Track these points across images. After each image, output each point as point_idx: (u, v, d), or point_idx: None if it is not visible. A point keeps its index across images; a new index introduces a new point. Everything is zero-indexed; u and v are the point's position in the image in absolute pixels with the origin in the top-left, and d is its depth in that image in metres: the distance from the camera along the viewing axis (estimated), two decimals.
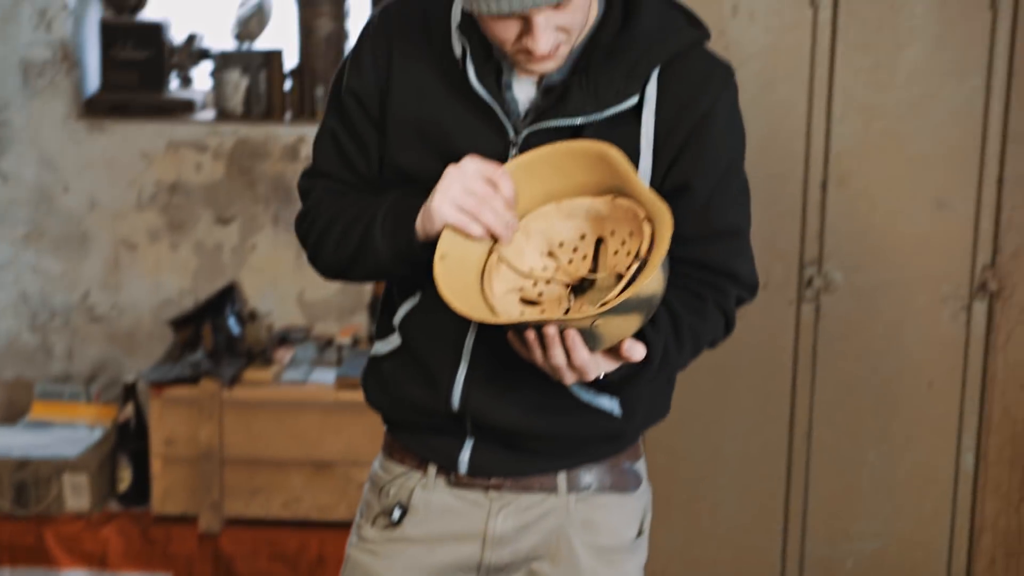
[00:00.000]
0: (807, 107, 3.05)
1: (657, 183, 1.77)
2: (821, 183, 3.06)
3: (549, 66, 1.71)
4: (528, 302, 1.73)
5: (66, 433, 3.69)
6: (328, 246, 1.85)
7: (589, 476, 1.93)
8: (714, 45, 3.01)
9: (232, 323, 3.57)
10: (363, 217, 1.80)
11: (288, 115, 3.92)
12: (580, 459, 1.92)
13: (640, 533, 2.00)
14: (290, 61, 3.96)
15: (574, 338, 1.61)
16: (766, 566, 3.19)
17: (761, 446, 3.16)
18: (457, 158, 1.72)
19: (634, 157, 1.74)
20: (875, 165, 3.04)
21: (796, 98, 3.05)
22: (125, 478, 3.60)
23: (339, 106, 1.87)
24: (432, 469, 1.94)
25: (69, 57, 3.87)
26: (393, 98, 1.81)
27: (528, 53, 1.67)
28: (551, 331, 1.61)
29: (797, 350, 3.12)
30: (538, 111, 1.75)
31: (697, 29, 1.78)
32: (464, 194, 1.67)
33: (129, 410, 3.62)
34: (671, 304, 1.76)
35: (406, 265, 1.78)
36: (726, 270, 1.83)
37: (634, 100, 1.72)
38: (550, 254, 1.74)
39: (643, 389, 1.82)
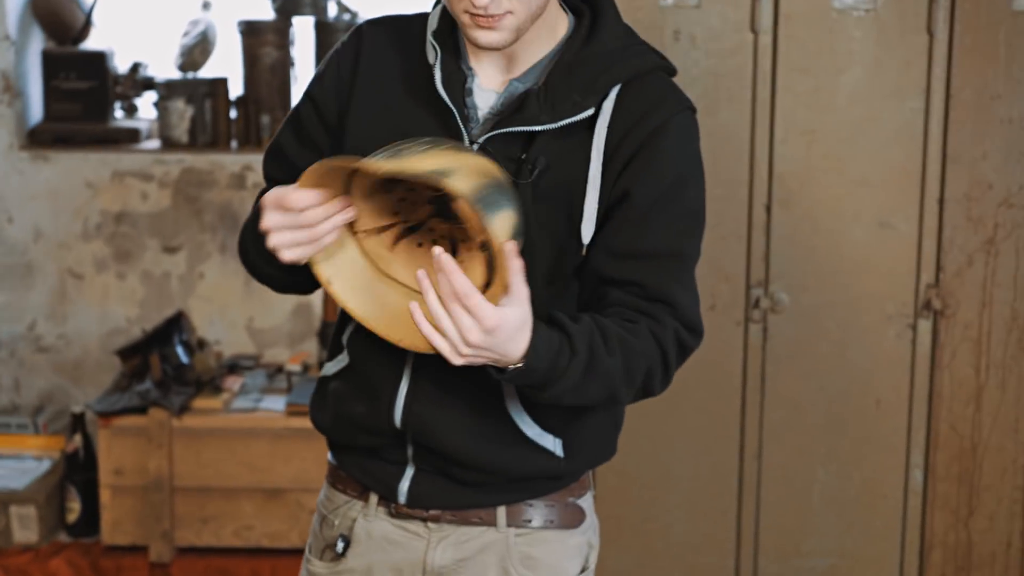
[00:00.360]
0: (750, 130, 3.08)
1: (605, 196, 1.76)
2: (765, 205, 3.09)
3: (493, 37, 1.71)
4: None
5: (13, 464, 3.66)
6: (241, 256, 1.91)
7: (530, 511, 1.91)
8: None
9: (180, 352, 3.56)
10: (248, 235, 1.85)
11: (234, 143, 3.92)
12: (521, 495, 1.91)
13: (584, 570, 1.97)
14: (235, 89, 3.96)
15: (449, 263, 1.58)
16: None
17: (711, 466, 3.19)
18: None
19: (584, 167, 1.75)
20: (818, 186, 3.08)
21: (739, 121, 3.08)
22: (74, 509, 3.58)
23: (295, 114, 1.90)
24: (373, 498, 1.93)
25: (11, 87, 3.85)
26: (353, 110, 1.83)
27: (473, 16, 1.68)
28: (437, 250, 1.59)
29: (746, 370, 3.14)
30: (496, 117, 1.77)
31: (662, 59, 1.80)
32: (277, 233, 1.69)
33: (77, 440, 3.60)
34: (598, 318, 1.74)
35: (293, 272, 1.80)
36: (662, 295, 1.77)
37: (589, 112, 1.74)
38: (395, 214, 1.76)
39: (575, 388, 1.72)
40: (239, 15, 3.96)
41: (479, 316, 1.58)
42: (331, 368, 1.96)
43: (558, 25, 1.78)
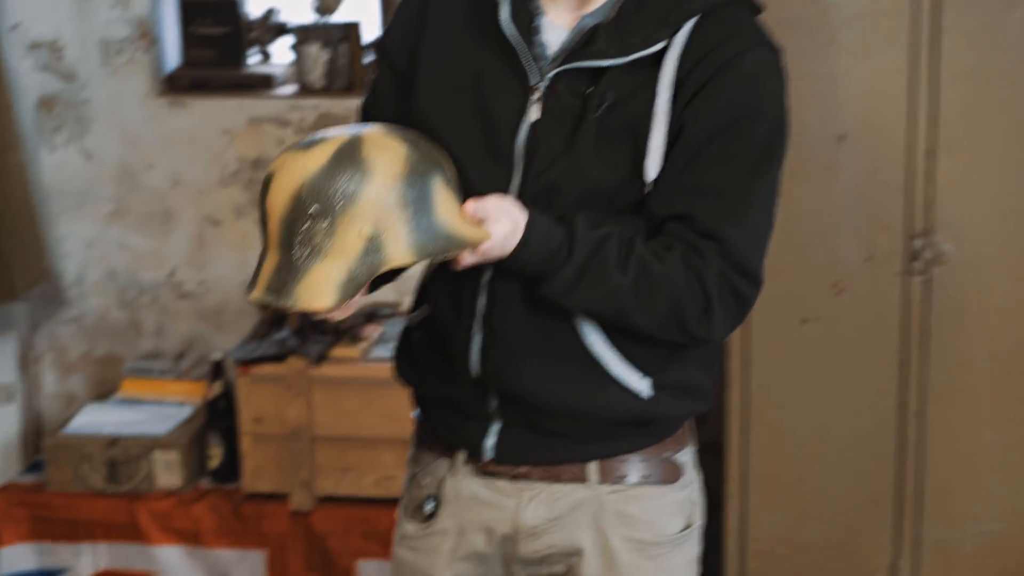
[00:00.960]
0: (907, 73, 2.93)
1: (672, 131, 1.71)
2: (927, 151, 2.94)
3: None
4: None
5: (156, 410, 3.67)
6: None
7: (623, 467, 1.86)
8: (811, 7, 2.92)
9: None
10: None
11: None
12: (612, 448, 1.86)
13: (687, 527, 1.92)
14: (370, 33, 3.89)
15: None
16: (877, 548, 3.10)
17: (870, 423, 3.07)
18: (483, 105, 1.75)
19: (651, 102, 1.70)
20: (985, 131, 2.92)
21: (896, 63, 2.93)
22: (216, 455, 3.58)
23: (374, 70, 1.92)
24: (460, 456, 1.90)
25: (148, 34, 3.83)
26: (423, 52, 1.81)
27: None
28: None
29: (907, 324, 3.01)
30: (565, 54, 1.73)
31: None
32: None
33: (217, 387, 3.60)
34: (628, 236, 1.72)
35: None
36: (711, 231, 1.71)
37: (659, 46, 1.69)
38: None
39: (568, 292, 1.72)
40: None
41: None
42: (415, 318, 1.94)
43: None
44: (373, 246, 1.60)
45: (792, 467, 3.10)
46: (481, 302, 1.81)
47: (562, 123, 1.74)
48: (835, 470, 3.09)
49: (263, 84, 3.86)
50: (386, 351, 3.51)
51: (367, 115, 1.94)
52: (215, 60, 3.87)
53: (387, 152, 1.62)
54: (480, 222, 1.67)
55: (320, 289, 1.59)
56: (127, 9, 3.80)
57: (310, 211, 1.58)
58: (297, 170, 1.60)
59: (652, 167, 1.72)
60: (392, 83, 1.88)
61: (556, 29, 1.77)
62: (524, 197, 1.75)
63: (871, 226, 2.98)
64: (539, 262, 1.69)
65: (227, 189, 3.89)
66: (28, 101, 3.85)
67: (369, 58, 3.85)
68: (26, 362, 3.96)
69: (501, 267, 1.72)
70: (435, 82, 1.80)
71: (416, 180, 1.63)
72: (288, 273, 1.60)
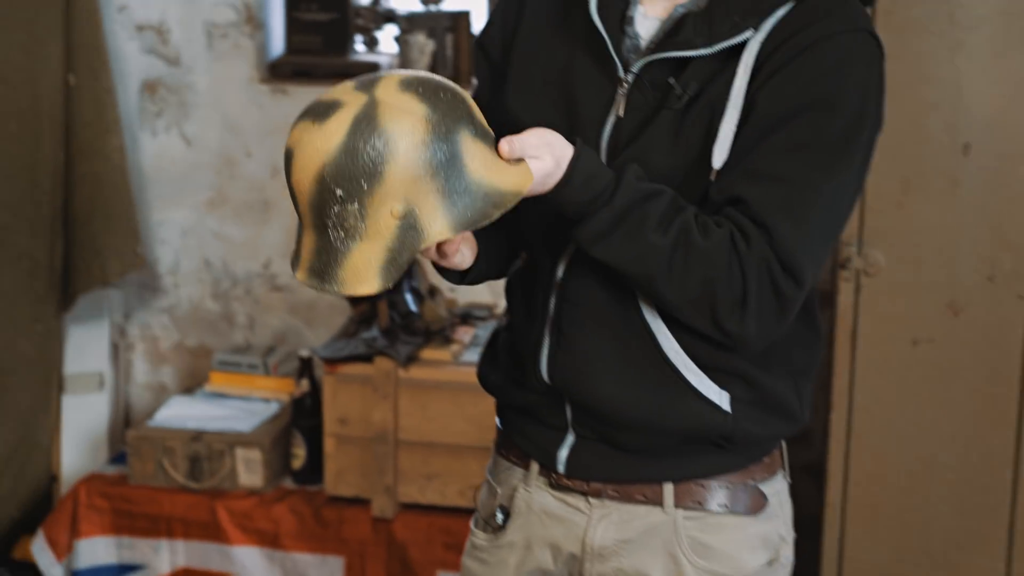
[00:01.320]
0: None
1: (745, 114, 1.59)
2: None
3: None
4: None
5: (242, 405, 3.59)
6: None
7: (701, 492, 1.73)
8: (938, 9, 2.72)
9: (409, 299, 3.41)
10: None
11: (474, 79, 3.73)
12: (690, 469, 1.73)
13: (772, 562, 1.77)
14: (478, 23, 3.77)
15: None
16: None
17: (983, 456, 2.85)
18: (570, 100, 1.68)
19: (728, 86, 1.59)
20: None
21: None
22: (299, 455, 3.48)
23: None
24: (535, 467, 1.81)
25: (253, 19, 3.75)
26: (517, 47, 1.76)
27: None
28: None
29: None
30: (653, 45, 1.66)
31: None
32: None
33: (304, 385, 3.50)
34: (681, 201, 1.59)
35: None
36: (762, 219, 1.56)
37: (748, 34, 1.59)
38: None
39: (601, 238, 1.59)
40: None
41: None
42: (504, 319, 1.87)
43: None
44: (408, 223, 1.50)
45: (895, 498, 2.90)
46: (552, 303, 1.72)
47: (646, 117, 1.66)
48: (942, 505, 2.87)
49: (368, 72, 3.76)
50: (478, 355, 3.37)
51: None
52: (320, 47, 3.78)
53: (406, 116, 1.49)
54: (519, 162, 1.54)
55: (363, 273, 1.51)
56: None
57: (337, 195, 1.48)
58: (316, 150, 1.49)
59: (719, 153, 1.60)
60: (488, 77, 1.82)
61: (649, 20, 1.69)
62: None
63: (994, 243, 2.77)
64: (581, 202, 1.57)
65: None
66: (132, 84, 3.80)
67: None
68: (118, 350, 3.92)
69: (546, 203, 1.60)
70: (525, 78, 1.75)
71: (441, 141, 1.50)
72: (328, 256, 1.51)
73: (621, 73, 1.66)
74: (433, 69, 3.68)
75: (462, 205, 1.51)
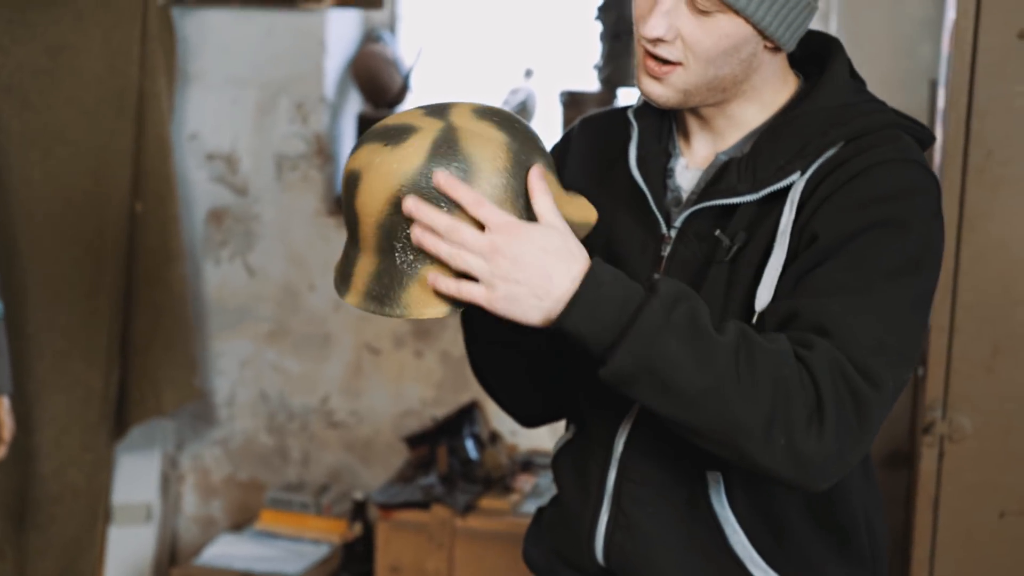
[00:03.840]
0: None
1: (792, 251, 1.47)
2: None
3: (657, 90, 1.49)
4: None
5: (291, 546, 3.47)
6: None
7: None
8: (998, 94, 2.57)
9: (470, 445, 3.30)
10: None
11: None
12: None
13: None
14: None
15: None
16: None
17: None
18: (615, 258, 1.59)
19: (775, 226, 1.49)
20: None
21: None
22: None
23: None
24: None
25: (324, 151, 3.72)
26: None
27: (646, 57, 1.49)
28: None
29: None
30: (695, 195, 1.57)
31: (903, 118, 1.50)
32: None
33: (357, 529, 3.39)
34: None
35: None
36: (820, 325, 1.40)
37: (794, 178, 1.49)
38: None
39: (657, 349, 1.35)
40: (562, 84, 3.72)
41: (485, 217, 1.38)
42: (548, 496, 1.76)
43: (782, 91, 1.56)
44: None
45: None
46: (610, 479, 1.61)
47: (693, 272, 1.55)
48: None
49: None
50: (538, 505, 3.25)
51: None
52: None
53: (487, 144, 1.46)
54: (580, 196, 1.54)
55: (430, 298, 1.45)
56: (306, 124, 3.70)
57: None
58: (391, 171, 1.44)
59: (764, 293, 1.47)
60: None
61: (691, 172, 1.60)
62: None
63: None
64: (619, 298, 1.38)
65: (389, 318, 3.72)
66: (198, 213, 3.77)
67: None
68: (168, 481, 3.82)
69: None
70: None
71: (520, 170, 1.46)
72: (392, 279, 1.46)
73: (664, 229, 1.58)
74: None
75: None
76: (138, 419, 3.57)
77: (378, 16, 3.80)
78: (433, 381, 3.71)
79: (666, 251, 1.57)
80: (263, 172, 3.74)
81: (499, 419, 3.61)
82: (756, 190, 1.50)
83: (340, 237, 3.71)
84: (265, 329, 3.79)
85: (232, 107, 3.72)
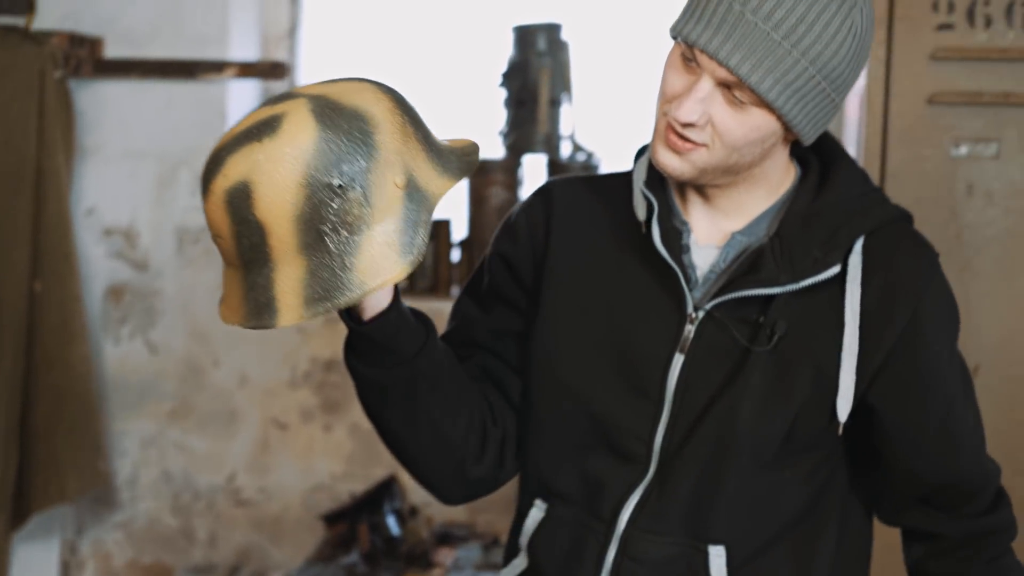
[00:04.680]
0: None
1: (866, 366, 1.53)
2: None
3: (675, 163, 1.51)
4: None
5: None
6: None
7: None
8: (946, 228, 2.68)
9: (391, 522, 3.24)
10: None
11: (455, 289, 3.64)
12: None
13: None
14: (459, 231, 3.69)
15: None
16: None
17: None
18: (621, 333, 1.57)
19: (835, 331, 1.53)
20: None
21: None
22: None
23: (478, 277, 1.70)
24: None
25: None
26: (550, 274, 1.64)
27: (669, 130, 1.50)
28: None
29: None
30: (725, 277, 1.56)
31: (899, 208, 1.61)
32: None
33: None
34: None
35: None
36: (980, 480, 1.60)
37: (835, 270, 1.53)
38: None
39: None
40: None
41: None
42: (507, 575, 1.66)
43: (785, 178, 1.60)
44: (411, 191, 1.38)
45: None
46: (610, 556, 1.56)
47: (724, 356, 1.54)
48: None
49: None
50: None
51: (467, 325, 1.69)
52: None
53: (363, 92, 1.39)
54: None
55: (383, 261, 1.36)
56: None
57: (335, 187, 1.34)
58: (287, 156, 1.33)
59: (844, 405, 1.52)
60: (517, 289, 1.67)
61: (704, 249, 1.59)
62: (673, 438, 1.54)
63: (1006, 471, 2.66)
64: None
65: (296, 391, 3.65)
66: (97, 290, 3.67)
67: (455, 257, 3.65)
68: (68, 569, 3.69)
69: None
70: (562, 304, 1.62)
71: (407, 107, 1.41)
72: (333, 267, 1.35)
73: (690, 309, 1.56)
74: (411, 277, 3.59)
75: (445, 160, 1.42)
76: (40, 507, 3.43)
77: (280, 87, 3.76)
78: (343, 455, 3.64)
79: (688, 330, 1.55)
80: (164, 246, 3.66)
81: (413, 489, 3.56)
82: (796, 280, 1.51)
83: None
84: (168, 407, 3.69)
85: (131, 180, 3.64)
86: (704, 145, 1.49)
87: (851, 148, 3.00)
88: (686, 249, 1.58)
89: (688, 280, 1.57)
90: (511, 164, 3.65)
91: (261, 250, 1.36)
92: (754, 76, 1.43)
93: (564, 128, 3.70)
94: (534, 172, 3.74)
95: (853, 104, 2.83)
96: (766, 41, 1.43)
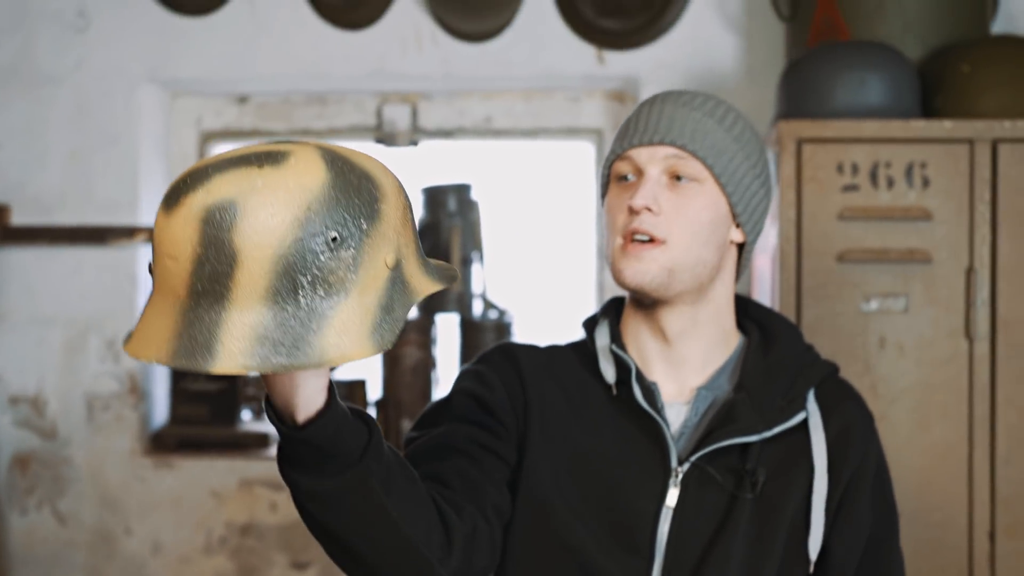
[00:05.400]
0: (968, 448, 2.74)
1: (829, 511, 1.64)
2: (988, 533, 2.72)
3: (639, 268, 1.60)
4: None
5: None
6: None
7: None
8: (861, 380, 2.76)
9: None
10: None
11: None
12: None
13: None
14: (374, 391, 3.69)
15: None
16: None
17: None
18: (607, 489, 1.61)
19: (804, 475, 1.64)
20: None
21: (955, 438, 2.75)
22: None
23: (434, 411, 1.66)
24: None
25: (137, 389, 3.61)
26: (534, 424, 1.66)
27: (628, 240, 1.60)
28: None
29: None
30: (702, 430, 1.64)
31: (831, 361, 1.76)
32: None
33: None
34: None
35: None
36: None
37: (802, 416, 1.65)
38: None
39: None
40: None
41: None
42: None
43: (732, 334, 1.72)
44: (397, 276, 1.25)
45: None
46: None
47: (711, 506, 1.61)
48: None
49: (257, 443, 3.63)
50: None
51: (435, 437, 1.63)
52: (207, 417, 3.64)
53: (375, 162, 1.27)
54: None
55: (352, 334, 1.20)
56: (118, 363, 3.59)
57: (329, 239, 1.19)
58: (292, 187, 1.19)
59: (815, 545, 1.61)
60: (484, 421, 1.64)
61: (673, 406, 1.68)
62: None
63: None
64: None
65: (212, 558, 3.59)
66: (2, 459, 3.59)
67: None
68: None
69: None
70: (550, 456, 1.65)
71: (408, 198, 1.30)
72: (295, 325, 1.19)
73: (674, 463, 1.62)
74: None
75: (428, 266, 1.30)
76: None
77: None
78: None
79: (673, 482, 1.61)
80: (72, 413, 3.61)
81: None
82: (769, 427, 1.63)
83: (157, 478, 3.59)
84: None
85: (37, 347, 3.60)
86: (663, 241, 1.59)
87: (766, 304, 3.09)
88: (661, 408, 1.65)
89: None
90: (425, 324, 3.68)
91: (222, 283, 1.19)
92: (693, 144, 1.61)
93: (476, 286, 3.75)
94: (447, 331, 3.77)
95: (767, 262, 2.92)
96: (701, 123, 1.62)
